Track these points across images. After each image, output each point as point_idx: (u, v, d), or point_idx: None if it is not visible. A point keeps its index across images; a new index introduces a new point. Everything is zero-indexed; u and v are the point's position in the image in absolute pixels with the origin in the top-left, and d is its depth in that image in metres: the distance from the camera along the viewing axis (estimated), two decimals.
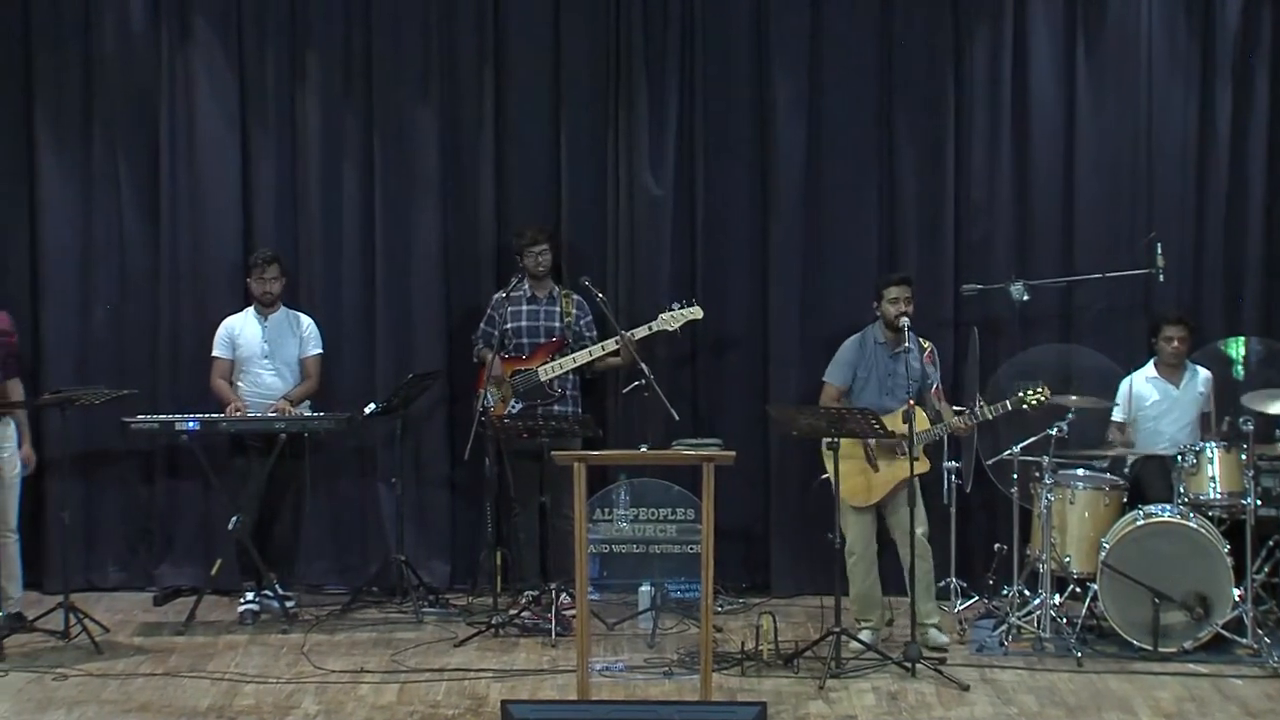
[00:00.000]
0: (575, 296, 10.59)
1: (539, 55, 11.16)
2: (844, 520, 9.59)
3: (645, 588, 10.33)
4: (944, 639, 9.53)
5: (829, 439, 9.12)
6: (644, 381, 10.16)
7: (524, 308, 10.57)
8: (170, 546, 11.23)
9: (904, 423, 9.20)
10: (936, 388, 9.72)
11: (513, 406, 10.39)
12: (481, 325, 10.65)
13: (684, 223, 11.12)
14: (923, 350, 9.71)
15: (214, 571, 10.38)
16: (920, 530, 9.48)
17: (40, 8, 11.11)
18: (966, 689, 8.74)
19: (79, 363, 11.19)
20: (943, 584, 10.11)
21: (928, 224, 11.02)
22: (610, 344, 10.36)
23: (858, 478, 9.56)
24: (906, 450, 9.18)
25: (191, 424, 10.15)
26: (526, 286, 10.57)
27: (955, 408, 9.83)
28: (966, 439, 10.19)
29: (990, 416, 9.58)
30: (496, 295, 10.57)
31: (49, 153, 11.14)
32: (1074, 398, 9.84)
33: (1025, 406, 9.50)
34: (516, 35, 11.15)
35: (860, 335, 9.89)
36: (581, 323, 10.61)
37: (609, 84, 11.10)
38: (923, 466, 9.36)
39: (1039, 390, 9.48)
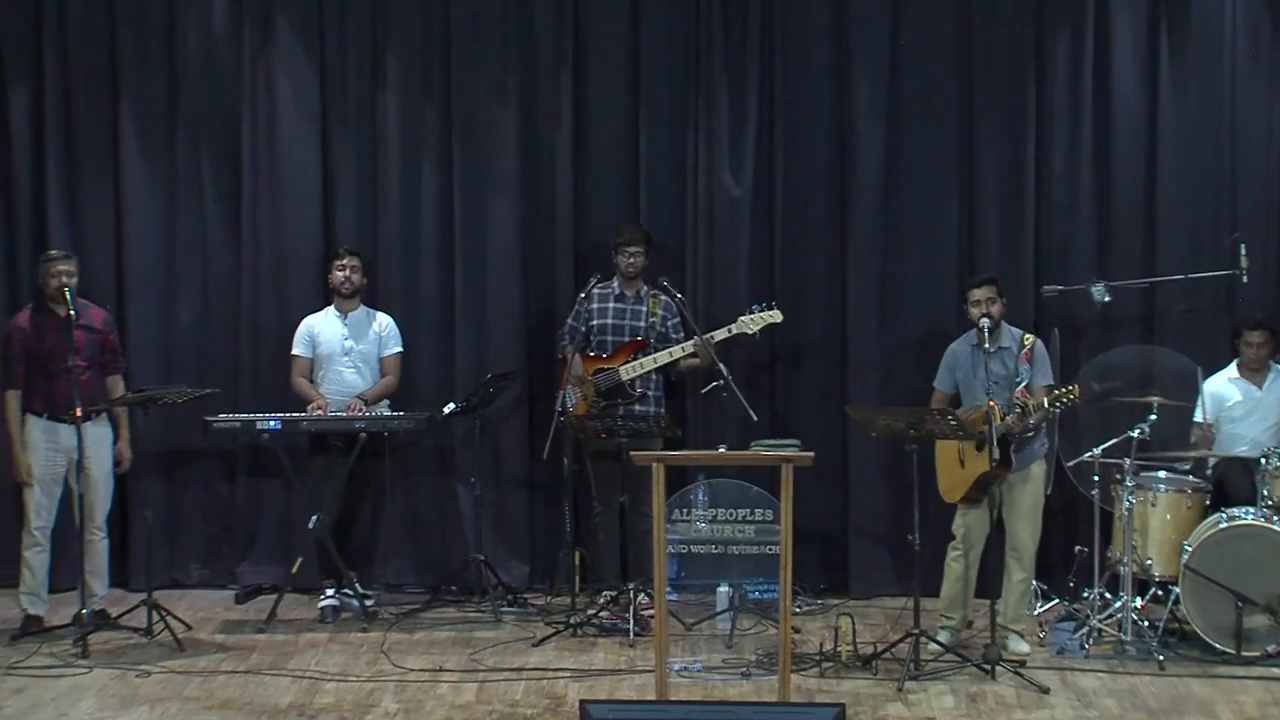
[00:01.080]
0: (663, 298, 10.55)
1: (618, 55, 11.15)
2: (955, 516, 9.60)
3: (723, 588, 10.30)
4: (1025, 647, 9.47)
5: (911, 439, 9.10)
6: (722, 382, 10.15)
7: (611, 305, 10.57)
8: (251, 545, 11.30)
9: (983, 423, 9.16)
10: (1023, 386, 9.59)
11: (595, 403, 10.39)
12: (568, 320, 10.63)
13: (763, 222, 11.10)
14: (1022, 347, 9.64)
15: (294, 570, 10.45)
16: (1030, 539, 9.53)
17: (125, 8, 11.20)
18: (1046, 692, 8.70)
19: (163, 361, 11.27)
20: None
21: (1008, 225, 10.94)
22: (689, 345, 10.35)
23: (948, 475, 9.55)
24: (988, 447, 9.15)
25: (272, 423, 10.21)
26: (615, 284, 10.59)
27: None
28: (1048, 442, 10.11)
29: (1033, 417, 9.45)
30: (584, 291, 10.52)
31: (134, 151, 11.22)
32: (1155, 399, 9.76)
33: (1058, 405, 9.34)
34: (595, 35, 11.16)
35: (960, 339, 9.84)
36: (668, 324, 10.57)
37: (688, 83, 11.09)
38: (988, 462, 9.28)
39: (1069, 389, 9.33)
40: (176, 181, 11.30)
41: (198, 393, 10.11)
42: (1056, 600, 10.34)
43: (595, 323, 10.54)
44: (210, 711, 8.50)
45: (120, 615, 9.95)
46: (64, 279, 9.88)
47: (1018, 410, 9.32)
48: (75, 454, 9.79)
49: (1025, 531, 9.57)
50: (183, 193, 11.31)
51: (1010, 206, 10.94)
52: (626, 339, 10.51)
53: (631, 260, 10.50)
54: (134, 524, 10.93)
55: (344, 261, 10.61)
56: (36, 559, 10.04)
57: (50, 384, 9.90)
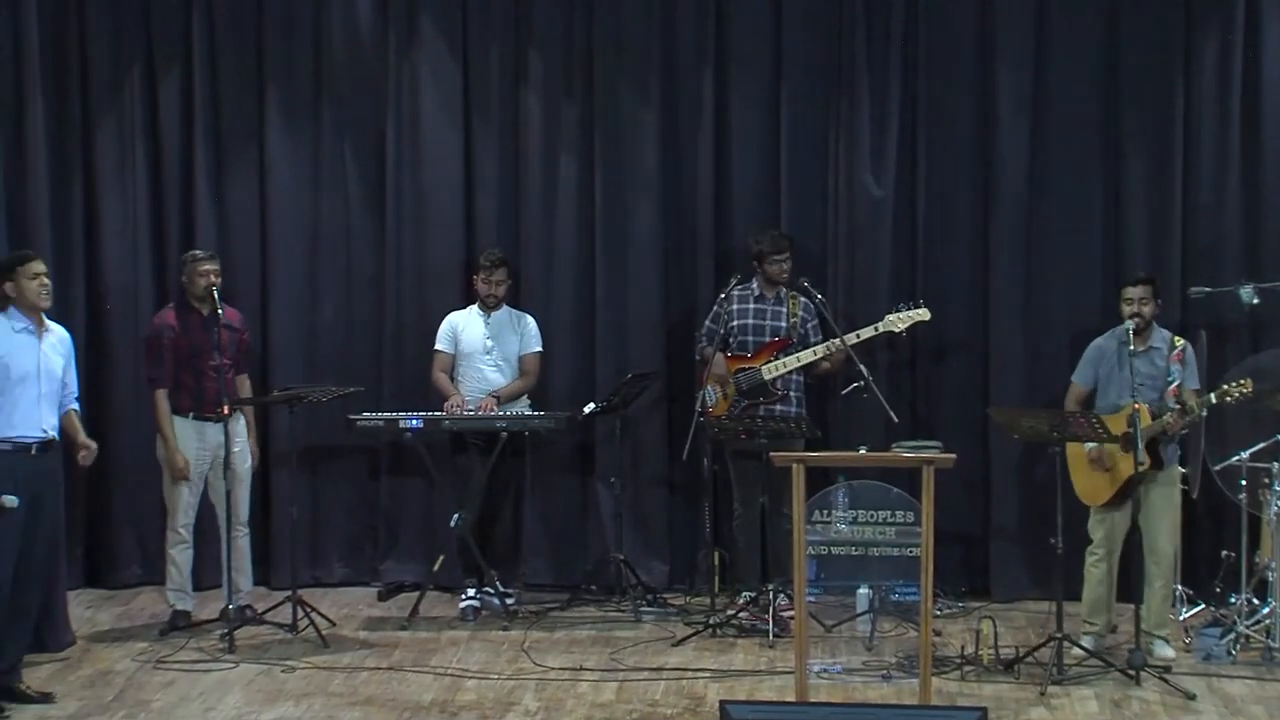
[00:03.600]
0: (802, 299, 10.52)
1: (760, 54, 11.13)
2: (1090, 520, 9.52)
3: (863, 590, 10.26)
4: (1170, 652, 9.37)
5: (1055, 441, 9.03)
6: (863, 383, 10.12)
7: (751, 306, 10.54)
8: (394, 543, 11.38)
9: (1128, 425, 9.06)
10: (1176, 385, 9.48)
11: (737, 402, 10.38)
12: (706, 322, 10.63)
13: (904, 224, 11.04)
14: (1173, 349, 9.53)
15: (436, 568, 10.54)
16: (1168, 543, 9.45)
17: (271, 8, 11.32)
18: (1193, 698, 8.60)
19: (307, 359, 11.39)
20: None
21: (1155, 226, 10.80)
22: (835, 344, 10.29)
23: (1090, 478, 9.45)
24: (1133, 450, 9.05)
25: (415, 422, 10.28)
26: (755, 285, 10.56)
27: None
28: (1194, 445, 9.98)
29: (1198, 410, 9.34)
30: (724, 293, 10.51)
31: (279, 150, 11.33)
32: None
33: (1228, 399, 9.19)
34: (737, 34, 11.14)
35: (1107, 334, 9.73)
36: (808, 325, 10.53)
37: (830, 83, 11.06)
38: (1144, 465, 9.17)
39: (1241, 383, 9.21)
40: (321, 179, 11.41)
41: (342, 391, 10.22)
42: (1202, 605, 10.19)
43: (735, 323, 10.51)
44: (354, 707, 8.59)
45: (266, 611, 10.05)
46: (211, 278, 10.02)
47: (1177, 408, 9.22)
48: (221, 451, 9.92)
49: (1164, 536, 9.46)
50: (327, 190, 11.42)
51: (1156, 207, 10.80)
52: (767, 339, 10.48)
53: (782, 268, 10.47)
54: (276, 522, 11.06)
55: (492, 276, 10.61)
56: (182, 556, 10.18)
57: (197, 382, 10.05)
